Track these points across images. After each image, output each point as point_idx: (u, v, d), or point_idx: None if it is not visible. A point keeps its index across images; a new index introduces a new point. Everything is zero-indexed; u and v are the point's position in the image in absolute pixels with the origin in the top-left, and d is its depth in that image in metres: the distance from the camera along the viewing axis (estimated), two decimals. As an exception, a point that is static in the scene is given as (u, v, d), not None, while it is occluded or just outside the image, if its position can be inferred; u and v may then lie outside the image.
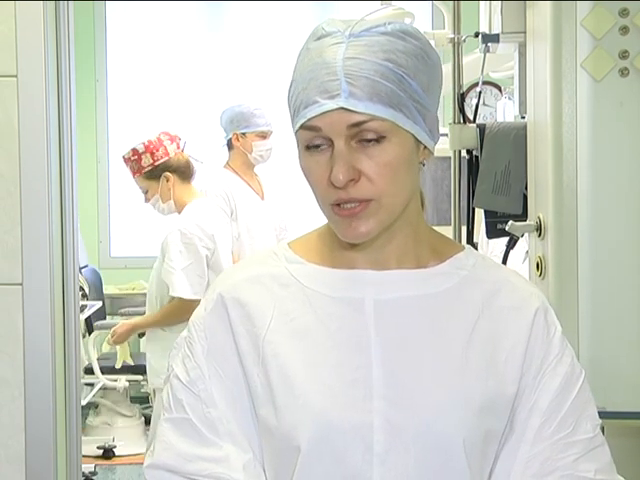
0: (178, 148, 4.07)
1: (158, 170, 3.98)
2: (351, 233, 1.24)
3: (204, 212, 4.05)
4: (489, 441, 1.29)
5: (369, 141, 1.21)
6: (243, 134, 4.54)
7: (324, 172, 1.22)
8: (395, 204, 1.24)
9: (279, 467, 1.28)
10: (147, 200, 4.08)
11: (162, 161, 3.98)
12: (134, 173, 3.99)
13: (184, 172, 4.04)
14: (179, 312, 3.82)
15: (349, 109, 1.19)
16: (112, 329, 4.30)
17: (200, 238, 3.91)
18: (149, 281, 4.17)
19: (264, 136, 4.55)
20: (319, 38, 1.23)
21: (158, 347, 3.93)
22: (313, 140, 1.22)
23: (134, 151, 3.98)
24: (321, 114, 1.20)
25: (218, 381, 1.29)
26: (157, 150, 3.99)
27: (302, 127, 1.22)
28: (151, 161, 4.00)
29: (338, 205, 1.23)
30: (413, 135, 1.23)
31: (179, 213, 4.04)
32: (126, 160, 4.01)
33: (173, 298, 3.88)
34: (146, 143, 4.01)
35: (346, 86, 1.19)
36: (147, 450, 1.33)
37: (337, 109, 1.19)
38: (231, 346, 1.29)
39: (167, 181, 3.99)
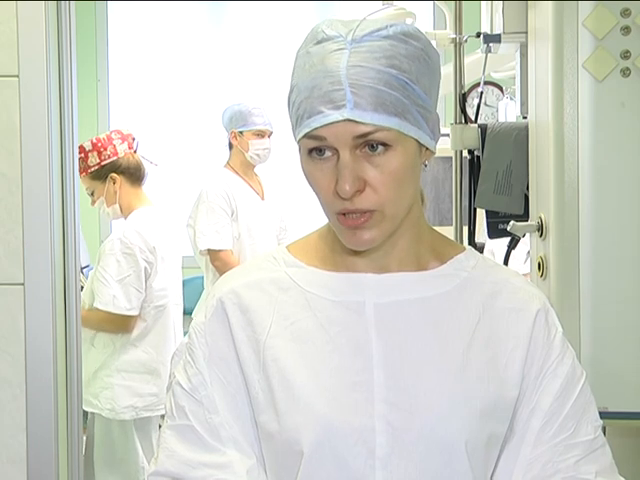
0: (130, 148, 3.73)
1: (105, 170, 3.65)
2: (355, 241, 1.24)
3: (149, 221, 3.71)
4: (492, 444, 1.28)
5: (374, 150, 1.20)
6: (240, 132, 4.55)
7: (329, 181, 1.21)
8: (398, 212, 1.24)
9: (282, 472, 1.27)
10: (93, 203, 3.73)
11: (109, 161, 3.65)
12: (80, 172, 3.48)
13: (133, 174, 3.70)
14: (106, 325, 3.56)
15: (355, 120, 1.17)
16: None
17: (141, 249, 3.60)
18: (83, 292, 3.76)
19: (261, 135, 4.55)
20: (319, 42, 1.21)
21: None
22: (317, 147, 1.21)
23: (81, 148, 3.56)
24: (326, 125, 1.18)
25: (220, 387, 1.29)
26: (105, 149, 3.65)
27: (306, 136, 1.21)
28: (98, 160, 3.65)
29: (343, 214, 1.22)
30: (416, 140, 1.22)
31: (125, 218, 3.71)
32: None
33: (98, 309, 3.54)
34: (94, 140, 3.66)
35: (351, 96, 1.17)
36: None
37: (342, 120, 1.17)
38: (232, 352, 1.29)
39: (113, 183, 3.66)
